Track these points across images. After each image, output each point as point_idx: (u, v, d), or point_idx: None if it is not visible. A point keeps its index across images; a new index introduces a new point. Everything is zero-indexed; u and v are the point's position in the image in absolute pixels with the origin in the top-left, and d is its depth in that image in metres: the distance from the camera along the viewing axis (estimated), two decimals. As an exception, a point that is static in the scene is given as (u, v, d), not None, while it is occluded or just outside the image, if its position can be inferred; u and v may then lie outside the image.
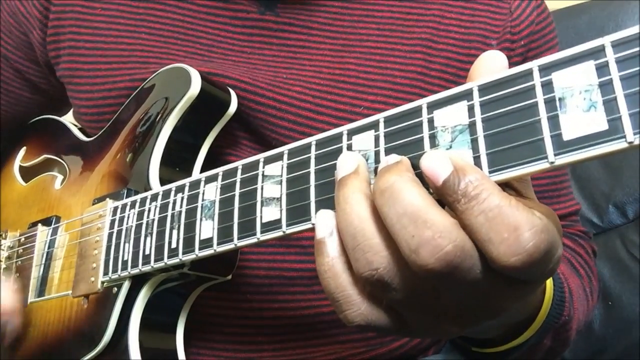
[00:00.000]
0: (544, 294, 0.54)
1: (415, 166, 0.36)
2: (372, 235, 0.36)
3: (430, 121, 0.38)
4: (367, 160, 0.40)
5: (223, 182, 0.49)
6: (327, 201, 0.41)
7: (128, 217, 0.58)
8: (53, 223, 0.70)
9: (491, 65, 0.39)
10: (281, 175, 0.45)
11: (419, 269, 0.34)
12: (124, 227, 0.58)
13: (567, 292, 0.60)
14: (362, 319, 0.38)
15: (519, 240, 0.32)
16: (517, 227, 0.32)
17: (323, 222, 0.39)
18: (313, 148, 0.43)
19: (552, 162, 0.32)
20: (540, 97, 0.33)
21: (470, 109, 0.36)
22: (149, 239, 0.55)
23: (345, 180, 0.38)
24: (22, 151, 0.86)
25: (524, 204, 0.33)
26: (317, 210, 0.41)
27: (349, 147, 0.41)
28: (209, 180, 0.51)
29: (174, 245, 0.52)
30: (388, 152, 0.39)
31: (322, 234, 0.38)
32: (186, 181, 0.53)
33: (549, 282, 0.56)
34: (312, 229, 0.42)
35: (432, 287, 0.36)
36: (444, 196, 0.34)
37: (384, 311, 0.38)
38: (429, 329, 0.40)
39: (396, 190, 0.34)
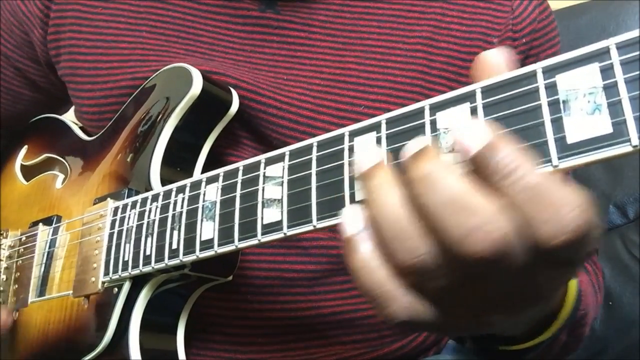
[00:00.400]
0: (567, 287, 0.53)
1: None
2: (410, 223, 0.34)
3: (433, 123, 0.37)
4: (369, 161, 0.40)
5: (224, 183, 0.49)
6: (329, 202, 0.41)
7: (129, 218, 0.58)
8: (54, 222, 0.70)
9: (495, 63, 0.38)
10: (282, 177, 0.44)
11: (467, 259, 0.32)
12: (124, 228, 0.58)
13: (580, 287, 0.60)
14: (406, 314, 0.36)
15: (564, 219, 0.30)
16: (562, 206, 0.31)
17: (352, 218, 0.37)
18: (314, 149, 0.43)
19: (555, 166, 0.32)
20: (544, 100, 0.33)
21: (473, 110, 0.36)
22: (149, 239, 0.54)
23: (372, 172, 0.36)
24: (24, 150, 0.86)
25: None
26: (318, 211, 0.41)
27: (351, 149, 0.41)
28: (210, 181, 0.51)
29: (174, 246, 0.52)
30: (390, 153, 0.39)
31: (353, 231, 0.37)
32: (187, 182, 0.53)
33: None
34: (313, 231, 0.42)
35: (479, 273, 0.34)
36: (476, 172, 0.33)
37: (427, 303, 0.37)
38: (473, 320, 0.38)
39: (434, 179, 0.33)
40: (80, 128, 0.80)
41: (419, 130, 0.38)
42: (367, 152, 0.37)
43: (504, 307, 0.37)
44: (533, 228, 0.31)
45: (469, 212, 0.32)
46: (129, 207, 0.58)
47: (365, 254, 0.36)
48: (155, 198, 0.56)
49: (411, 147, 0.35)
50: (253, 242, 0.45)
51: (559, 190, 0.31)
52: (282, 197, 0.44)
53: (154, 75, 0.67)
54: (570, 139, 0.32)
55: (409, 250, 0.34)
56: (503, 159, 0.31)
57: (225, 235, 0.47)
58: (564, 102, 0.32)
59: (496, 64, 0.38)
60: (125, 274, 0.56)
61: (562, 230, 0.31)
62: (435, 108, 0.38)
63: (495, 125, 0.33)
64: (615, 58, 0.31)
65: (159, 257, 0.53)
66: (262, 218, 0.45)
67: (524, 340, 0.55)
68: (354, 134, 0.41)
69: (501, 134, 0.32)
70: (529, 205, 0.31)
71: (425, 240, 0.34)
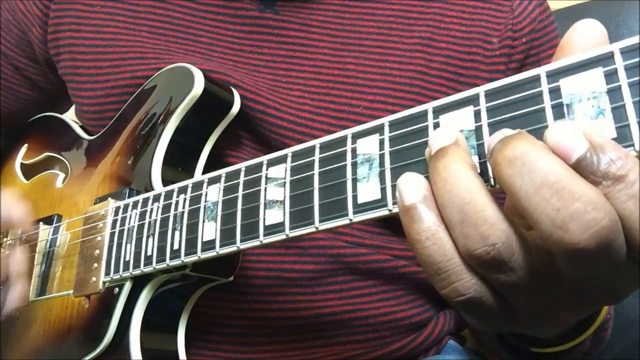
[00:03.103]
0: None
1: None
2: (485, 207, 0.32)
3: (436, 125, 0.37)
4: (371, 164, 0.40)
5: (226, 184, 0.49)
6: (331, 204, 0.41)
7: (130, 217, 0.58)
8: (54, 222, 0.70)
9: (587, 36, 0.35)
10: (284, 178, 0.44)
11: (565, 248, 0.29)
12: (125, 227, 0.58)
13: None
14: (475, 291, 0.34)
15: None
16: None
17: (412, 186, 0.35)
18: (317, 151, 0.43)
19: (559, 169, 0.32)
20: (547, 103, 0.33)
21: (477, 114, 0.36)
22: (151, 239, 0.54)
23: (447, 150, 0.34)
24: (24, 148, 0.86)
25: None
26: (320, 213, 0.41)
27: (354, 150, 0.41)
28: (212, 181, 0.51)
29: (176, 247, 0.52)
30: (393, 155, 0.39)
31: (413, 199, 0.34)
32: (189, 182, 0.53)
33: None
34: (315, 232, 0.42)
35: (558, 268, 0.32)
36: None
37: (492, 291, 0.35)
38: (537, 316, 0.36)
39: (531, 158, 0.30)
40: (81, 127, 0.80)
41: (422, 132, 0.38)
42: (441, 132, 0.35)
43: (577, 305, 0.35)
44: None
45: (572, 196, 0.29)
46: (130, 207, 0.58)
47: (430, 224, 0.34)
48: (156, 198, 0.56)
49: (499, 133, 0.33)
50: (255, 243, 0.45)
51: None
52: (284, 198, 0.44)
53: (155, 75, 0.67)
54: (575, 143, 0.32)
55: (482, 237, 0.32)
56: (611, 162, 0.29)
57: (227, 236, 0.47)
58: (567, 106, 0.33)
59: (593, 35, 0.35)
60: (127, 273, 0.56)
61: None
62: (439, 111, 0.38)
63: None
64: (619, 63, 0.31)
65: (161, 258, 0.53)
66: (264, 219, 0.45)
67: (553, 344, 0.54)
68: (356, 136, 0.41)
69: (605, 137, 0.30)
70: (638, 213, 0.29)
71: (501, 227, 0.32)
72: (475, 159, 0.35)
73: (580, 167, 0.30)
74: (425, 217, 0.34)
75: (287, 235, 0.43)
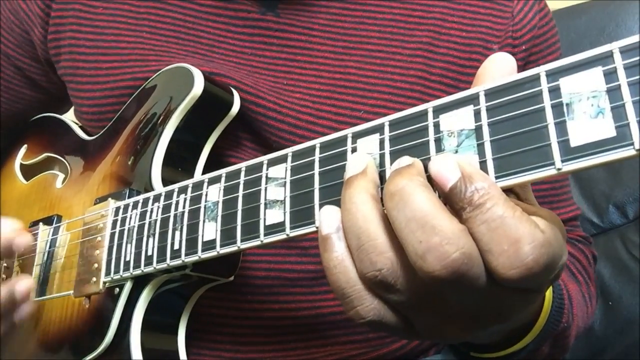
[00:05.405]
0: (543, 300, 0.54)
1: (427, 168, 0.36)
2: (376, 236, 0.36)
3: (436, 125, 0.38)
4: (371, 163, 0.40)
5: (226, 184, 0.49)
6: (332, 204, 0.41)
7: (130, 218, 0.58)
8: (54, 222, 0.70)
9: (500, 67, 0.39)
10: (285, 178, 0.44)
11: (425, 275, 0.33)
12: (126, 228, 0.58)
13: (567, 298, 0.60)
14: (374, 315, 0.38)
15: (518, 253, 0.32)
16: (518, 240, 0.32)
17: (328, 218, 0.38)
18: (317, 150, 0.43)
19: (559, 169, 0.32)
20: (547, 103, 0.33)
21: (477, 113, 0.36)
22: (151, 239, 0.54)
23: (352, 181, 0.38)
24: (23, 149, 0.86)
25: (529, 215, 0.33)
26: (321, 213, 0.41)
27: (354, 150, 0.41)
28: (212, 181, 0.51)
29: (176, 247, 0.52)
30: (393, 155, 0.39)
31: (328, 230, 0.38)
32: (189, 182, 0.53)
33: (548, 289, 0.55)
34: (316, 232, 0.42)
35: (438, 290, 0.36)
36: (450, 202, 0.34)
37: (392, 310, 0.38)
38: (435, 332, 0.40)
39: (406, 194, 0.34)
40: (81, 127, 0.80)
41: (422, 132, 0.38)
42: (353, 159, 0.39)
43: (466, 324, 0.39)
44: (489, 258, 0.33)
45: (432, 231, 0.33)
46: (130, 207, 0.58)
47: (340, 253, 0.38)
48: (157, 198, 0.56)
49: (397, 162, 0.37)
50: (255, 243, 0.45)
51: (519, 225, 0.33)
52: (284, 198, 0.44)
53: (155, 75, 0.67)
54: (574, 142, 0.32)
55: (371, 263, 0.36)
56: (475, 192, 0.33)
57: (228, 236, 0.47)
58: (567, 105, 0.33)
59: (504, 67, 0.39)
60: (127, 274, 0.56)
61: (514, 264, 0.33)
62: (439, 110, 0.38)
63: (471, 158, 0.35)
64: (618, 62, 0.31)
65: (161, 258, 0.53)
66: (264, 219, 0.45)
67: (498, 348, 0.56)
68: (357, 136, 0.41)
69: (475, 167, 0.35)
70: (488, 236, 0.33)
71: (387, 255, 0.36)
72: (476, 158, 0.35)
73: (452, 194, 0.34)
74: (336, 247, 0.38)
75: (287, 235, 0.43)
